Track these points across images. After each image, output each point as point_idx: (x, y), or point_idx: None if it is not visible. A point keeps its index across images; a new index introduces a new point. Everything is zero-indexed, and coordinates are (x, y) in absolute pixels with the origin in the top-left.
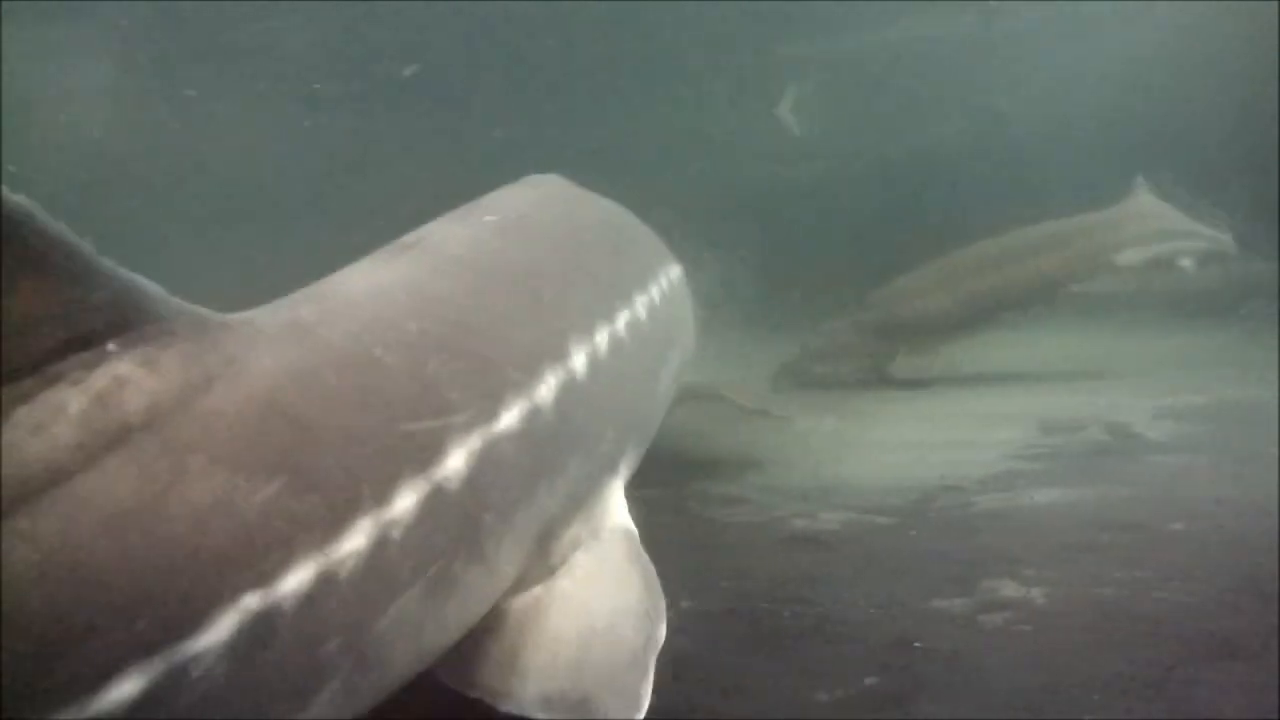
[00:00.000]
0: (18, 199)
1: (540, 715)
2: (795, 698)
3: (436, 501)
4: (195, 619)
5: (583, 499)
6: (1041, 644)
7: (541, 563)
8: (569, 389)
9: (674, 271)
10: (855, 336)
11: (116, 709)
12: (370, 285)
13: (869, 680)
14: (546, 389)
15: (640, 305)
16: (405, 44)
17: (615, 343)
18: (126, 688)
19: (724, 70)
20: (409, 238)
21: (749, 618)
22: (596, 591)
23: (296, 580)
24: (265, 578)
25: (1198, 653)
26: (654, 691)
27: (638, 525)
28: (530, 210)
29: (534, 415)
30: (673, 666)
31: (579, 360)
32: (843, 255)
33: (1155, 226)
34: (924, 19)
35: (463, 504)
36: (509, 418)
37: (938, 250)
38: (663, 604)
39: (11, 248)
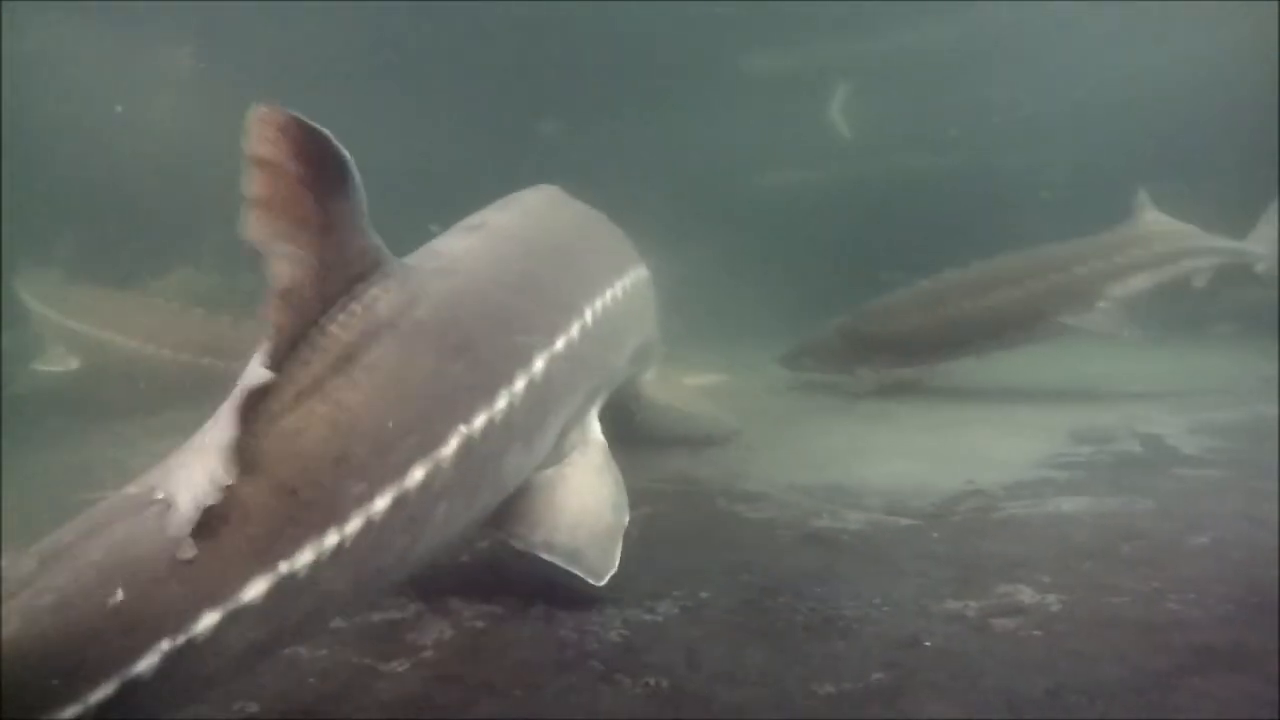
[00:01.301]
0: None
1: (543, 555)
2: (802, 688)
3: (531, 389)
4: (443, 437)
5: (580, 414)
6: (1049, 649)
7: (555, 453)
8: (583, 333)
9: (641, 270)
10: (838, 346)
11: (416, 486)
12: (467, 247)
13: (875, 676)
14: (574, 330)
15: (618, 287)
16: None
17: (605, 308)
18: (417, 474)
19: (725, 79)
20: (473, 220)
21: (765, 611)
22: (586, 480)
23: (480, 420)
24: (468, 418)
25: (1204, 663)
26: (669, 677)
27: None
28: (548, 209)
29: (569, 345)
30: (688, 654)
31: (588, 315)
32: (846, 265)
33: (1160, 249)
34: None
35: (541, 394)
36: (560, 343)
37: (934, 267)
38: (625, 497)
39: (360, 215)
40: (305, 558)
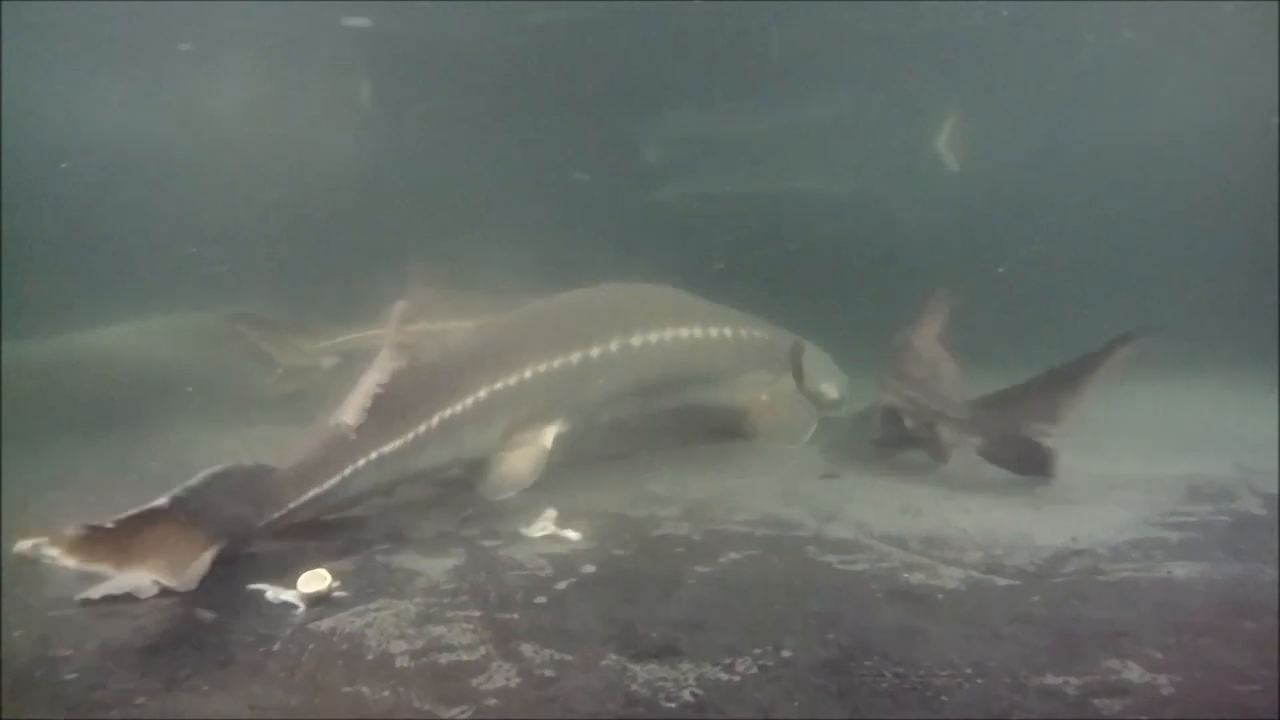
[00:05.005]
0: None
1: (480, 490)
2: None
3: (477, 402)
4: (431, 413)
5: (530, 423)
6: None
7: (505, 442)
8: (535, 375)
9: (670, 332)
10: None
11: (475, 406)
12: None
13: None
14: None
15: (606, 346)
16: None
17: (565, 363)
18: (480, 394)
19: None
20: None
21: (849, 673)
22: (518, 457)
23: (448, 411)
24: (444, 407)
25: None
26: None
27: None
28: (599, 294)
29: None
30: (765, 716)
31: (543, 366)
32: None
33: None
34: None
35: (484, 407)
36: (511, 380)
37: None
38: (536, 477)
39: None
40: (389, 447)
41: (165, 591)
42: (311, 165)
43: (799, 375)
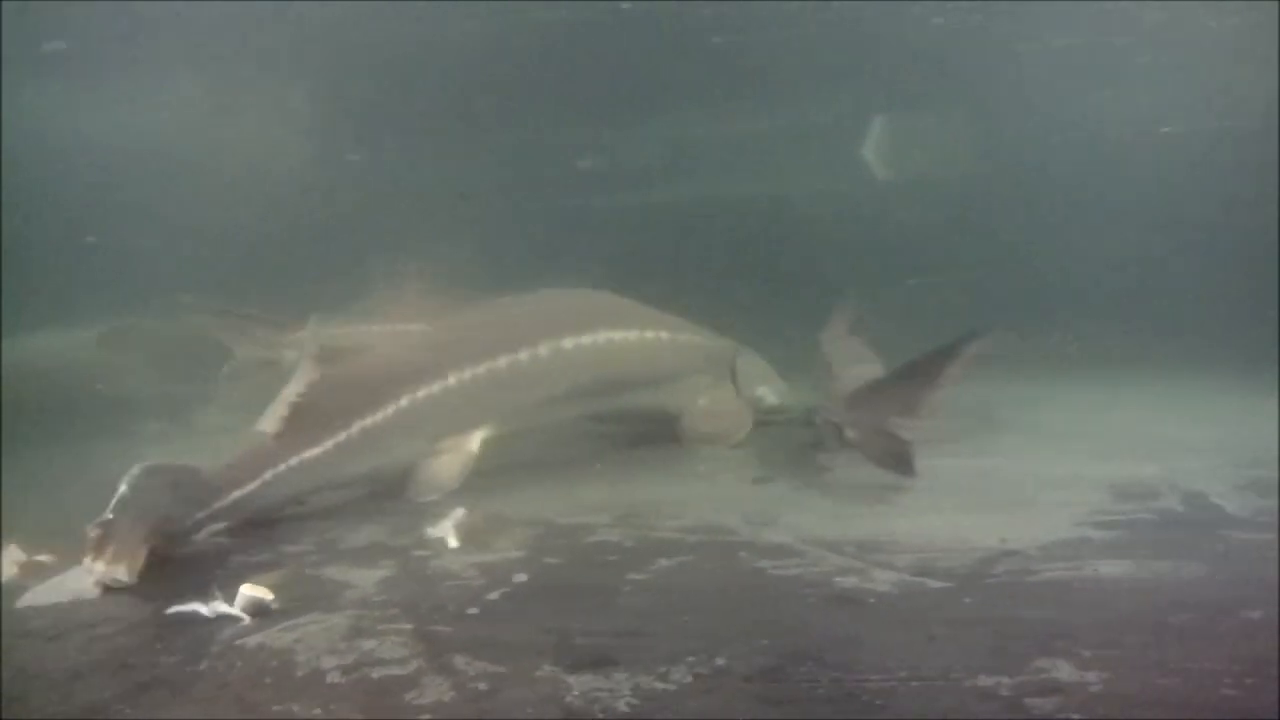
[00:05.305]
0: None
1: (409, 493)
2: None
3: (398, 410)
4: (351, 424)
5: (457, 429)
6: None
7: (432, 448)
8: (523, 361)
9: (603, 335)
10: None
11: (396, 414)
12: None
13: None
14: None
15: (536, 350)
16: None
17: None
18: (402, 402)
19: None
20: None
21: (785, 680)
22: (442, 463)
23: (370, 420)
24: (364, 415)
25: None
26: None
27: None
28: (532, 299)
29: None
30: None
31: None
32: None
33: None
34: None
35: (406, 414)
36: (435, 387)
37: None
38: (459, 481)
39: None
40: (311, 454)
41: (108, 591)
42: (309, 165)
43: (735, 380)
